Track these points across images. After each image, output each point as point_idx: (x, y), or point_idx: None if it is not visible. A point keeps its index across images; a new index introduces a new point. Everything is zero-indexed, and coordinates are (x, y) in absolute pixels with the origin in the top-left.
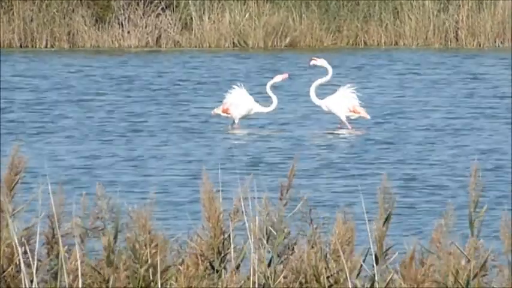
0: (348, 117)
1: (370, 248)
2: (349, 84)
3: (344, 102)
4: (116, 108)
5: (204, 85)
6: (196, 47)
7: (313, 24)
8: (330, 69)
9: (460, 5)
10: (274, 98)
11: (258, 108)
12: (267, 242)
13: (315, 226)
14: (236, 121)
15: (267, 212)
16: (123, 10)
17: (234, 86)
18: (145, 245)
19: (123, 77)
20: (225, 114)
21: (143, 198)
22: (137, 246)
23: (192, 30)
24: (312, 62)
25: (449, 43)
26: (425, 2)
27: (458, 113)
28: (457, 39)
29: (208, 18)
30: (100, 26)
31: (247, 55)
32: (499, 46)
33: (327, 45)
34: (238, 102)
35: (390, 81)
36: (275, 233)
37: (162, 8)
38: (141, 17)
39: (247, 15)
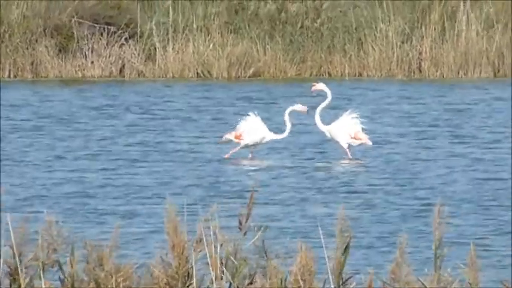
0: (349, 145)
1: (328, 278)
2: (351, 109)
3: (345, 129)
4: (89, 136)
5: (174, 114)
6: (160, 77)
7: (277, 55)
8: (329, 92)
9: (423, 36)
10: (288, 126)
11: (271, 136)
12: (227, 272)
13: (272, 256)
14: (240, 146)
15: (225, 242)
16: (87, 40)
17: (249, 113)
18: (111, 275)
19: (91, 106)
20: (237, 141)
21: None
22: (102, 275)
23: (156, 60)
24: (313, 88)
25: (412, 74)
26: (389, 34)
27: (429, 143)
28: (420, 71)
29: (172, 48)
30: (63, 56)
31: (211, 85)
32: (462, 77)
33: (290, 76)
34: (252, 129)
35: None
36: (235, 263)
37: (126, 38)
38: (104, 47)
39: (211, 46)
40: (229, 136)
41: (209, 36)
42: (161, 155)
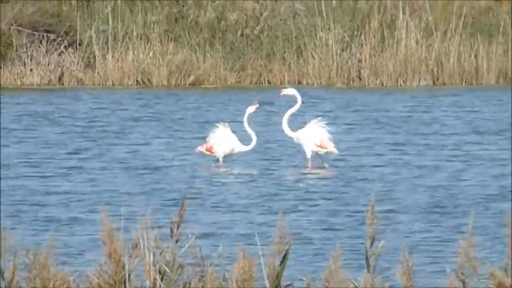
0: (315, 153)
1: (266, 286)
2: (319, 118)
3: (312, 137)
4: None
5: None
6: (99, 84)
7: (217, 63)
8: (299, 98)
9: (362, 45)
10: (253, 135)
11: (240, 147)
12: (161, 279)
13: (209, 264)
14: (220, 159)
15: (162, 249)
16: (26, 48)
17: (217, 125)
18: (48, 280)
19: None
20: (208, 153)
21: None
22: (39, 283)
23: (96, 68)
24: (282, 93)
25: (352, 82)
26: (329, 42)
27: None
28: (360, 78)
29: (112, 56)
30: (2, 63)
31: (150, 93)
32: (401, 85)
33: (230, 84)
34: (222, 140)
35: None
36: (167, 270)
37: (65, 46)
38: (44, 55)
39: (150, 54)
40: (201, 149)
41: (149, 44)
42: (107, 162)
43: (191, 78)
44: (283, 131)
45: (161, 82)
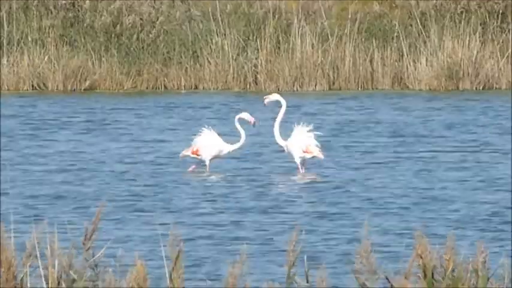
0: (303, 159)
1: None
2: (303, 123)
3: (298, 143)
4: None
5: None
6: None
7: (112, 68)
8: (283, 101)
9: (258, 49)
10: (243, 133)
11: (228, 147)
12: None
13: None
14: (207, 163)
15: (59, 256)
16: None
17: (203, 128)
18: None
19: None
20: (194, 156)
21: None
22: None
23: None
24: (266, 100)
25: (248, 87)
26: (224, 47)
27: None
28: (256, 83)
29: (7, 61)
30: None
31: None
32: (297, 90)
33: (127, 88)
34: (208, 143)
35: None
36: (75, 278)
37: None
38: None
39: (46, 58)
40: (187, 152)
41: (44, 49)
42: (27, 165)
43: (87, 82)
44: (275, 141)
45: (57, 87)
